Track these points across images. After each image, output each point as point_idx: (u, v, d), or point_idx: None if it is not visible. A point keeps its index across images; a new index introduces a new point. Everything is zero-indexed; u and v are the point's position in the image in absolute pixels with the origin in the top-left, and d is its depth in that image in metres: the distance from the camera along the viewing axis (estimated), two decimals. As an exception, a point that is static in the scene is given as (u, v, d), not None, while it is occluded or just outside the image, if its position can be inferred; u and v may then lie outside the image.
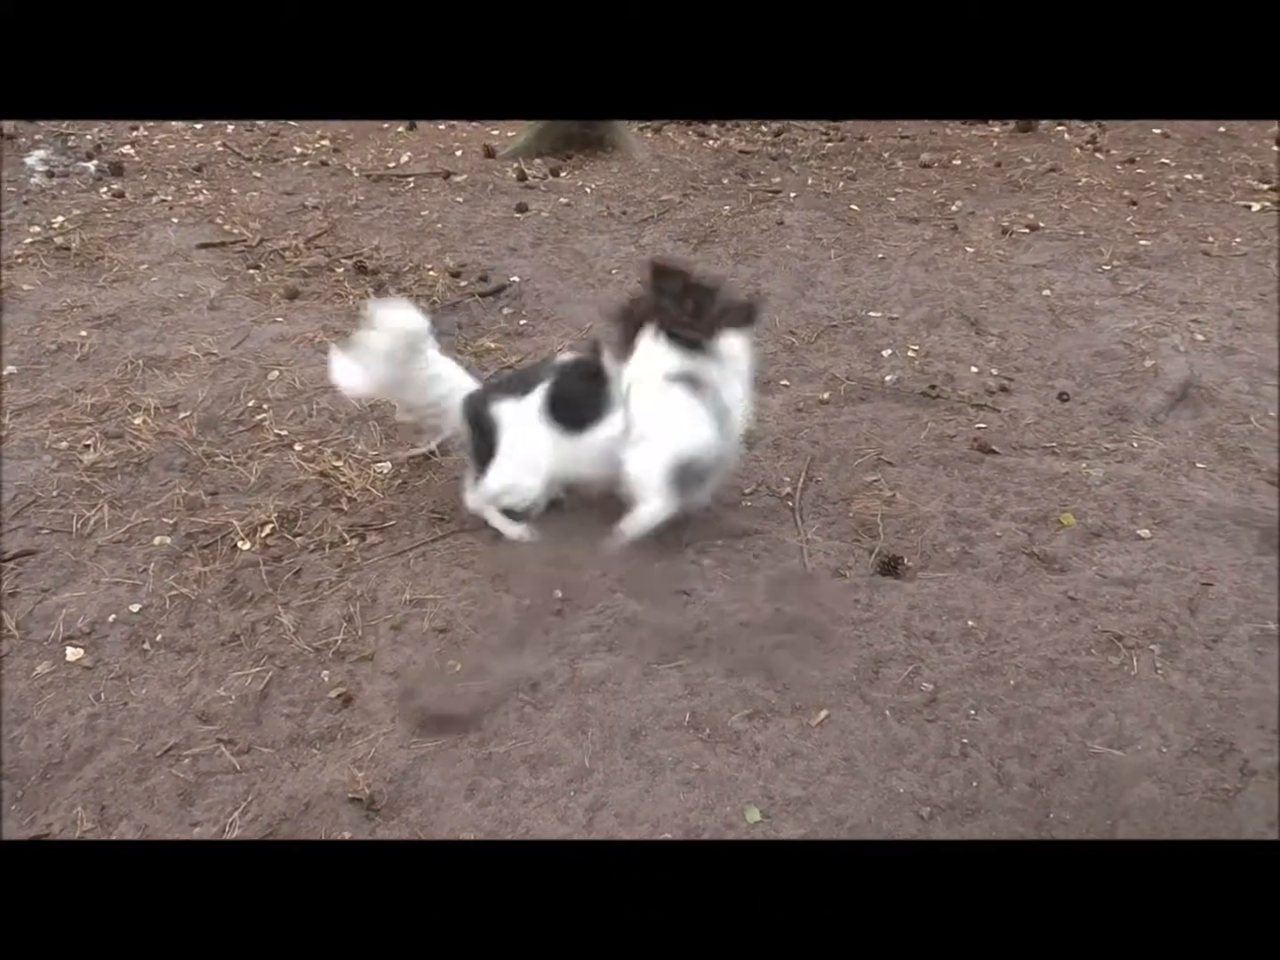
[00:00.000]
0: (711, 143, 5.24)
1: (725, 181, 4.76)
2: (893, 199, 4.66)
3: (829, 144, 5.27)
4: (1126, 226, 4.46)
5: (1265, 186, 4.90)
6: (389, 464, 2.85)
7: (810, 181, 4.81)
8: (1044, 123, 5.63)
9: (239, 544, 2.48)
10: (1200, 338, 3.57)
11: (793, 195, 4.66)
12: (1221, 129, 5.68)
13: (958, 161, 5.11)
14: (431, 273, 3.89)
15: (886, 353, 3.45)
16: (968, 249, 4.20)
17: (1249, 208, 4.67)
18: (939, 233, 4.34)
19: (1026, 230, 4.37)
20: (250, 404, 3.06)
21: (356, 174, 4.75)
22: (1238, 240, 4.34)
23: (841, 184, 4.81)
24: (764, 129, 5.46)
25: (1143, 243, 4.30)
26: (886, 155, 5.17)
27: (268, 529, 2.53)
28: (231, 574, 2.39)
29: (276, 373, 3.24)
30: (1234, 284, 3.96)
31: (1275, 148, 5.43)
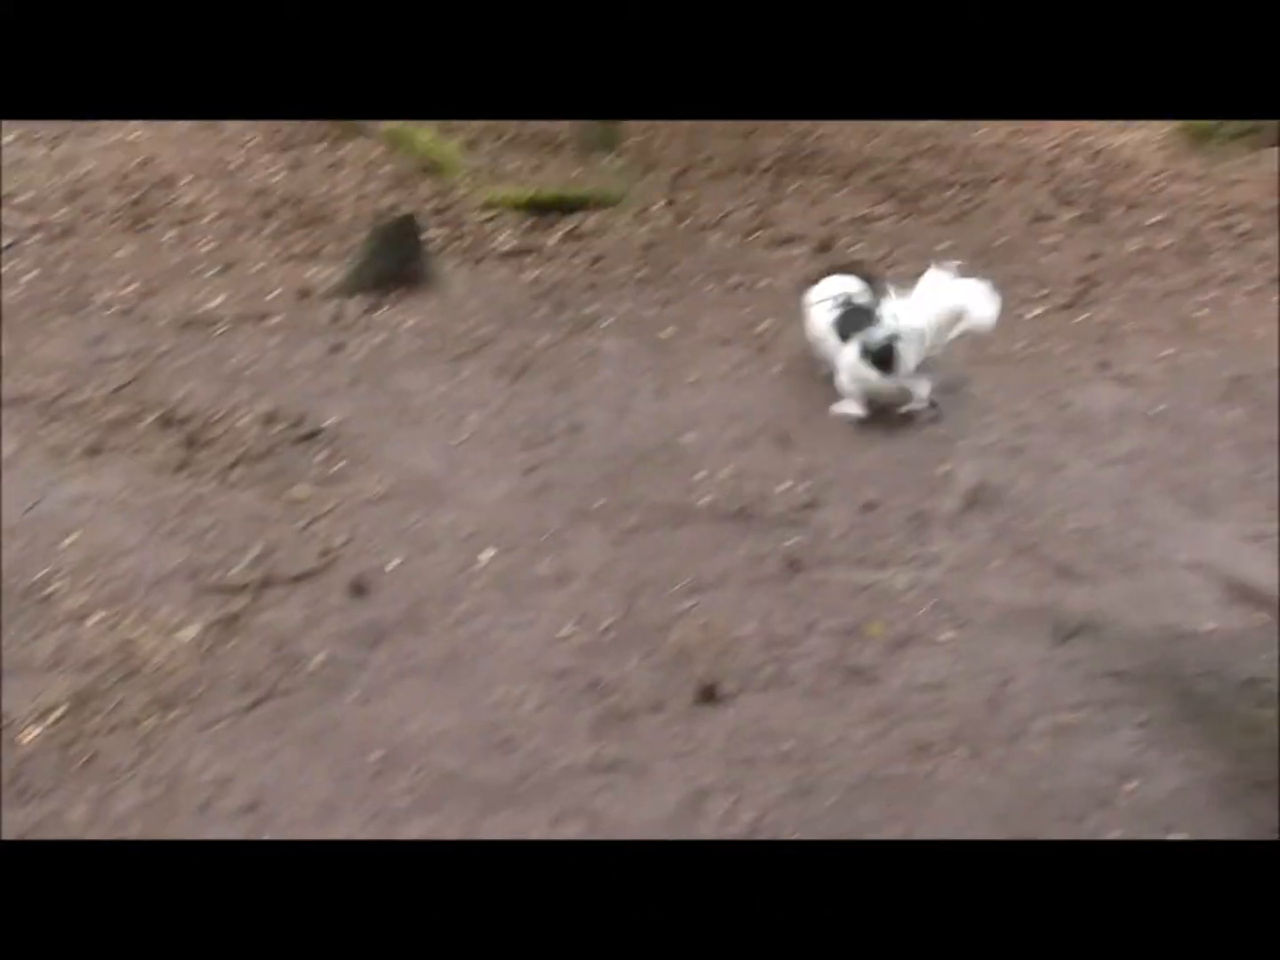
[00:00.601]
0: (528, 274, 5.36)
1: (542, 312, 4.87)
2: (705, 322, 4.84)
3: (642, 271, 5.46)
4: (920, 338, 4.74)
5: (1042, 293, 5.31)
6: (197, 627, 2.76)
7: (625, 308, 4.96)
8: (842, 243, 5.98)
9: (21, 734, 2.34)
10: (989, 440, 3.81)
11: (608, 323, 4.79)
12: (1000, 241, 6.14)
13: (764, 283, 5.36)
14: (243, 421, 3.83)
15: (700, 476, 3.55)
16: (775, 368, 4.39)
17: (1020, 316, 5.04)
18: (749, 353, 4.53)
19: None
20: (42, 574, 2.93)
21: (166, 320, 4.67)
22: (1018, 345, 4.67)
23: (656, 310, 4.98)
24: (580, 258, 5.63)
25: (935, 353, 4.58)
26: (697, 280, 5.38)
27: (58, 712, 2.39)
28: (15, 768, 2.25)
29: (73, 537, 3.11)
30: (1016, 386, 4.24)
31: (1048, 258, 5.90)
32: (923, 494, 3.45)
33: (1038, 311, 5.09)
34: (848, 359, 3.93)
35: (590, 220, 6.23)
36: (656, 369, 4.37)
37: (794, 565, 3.05)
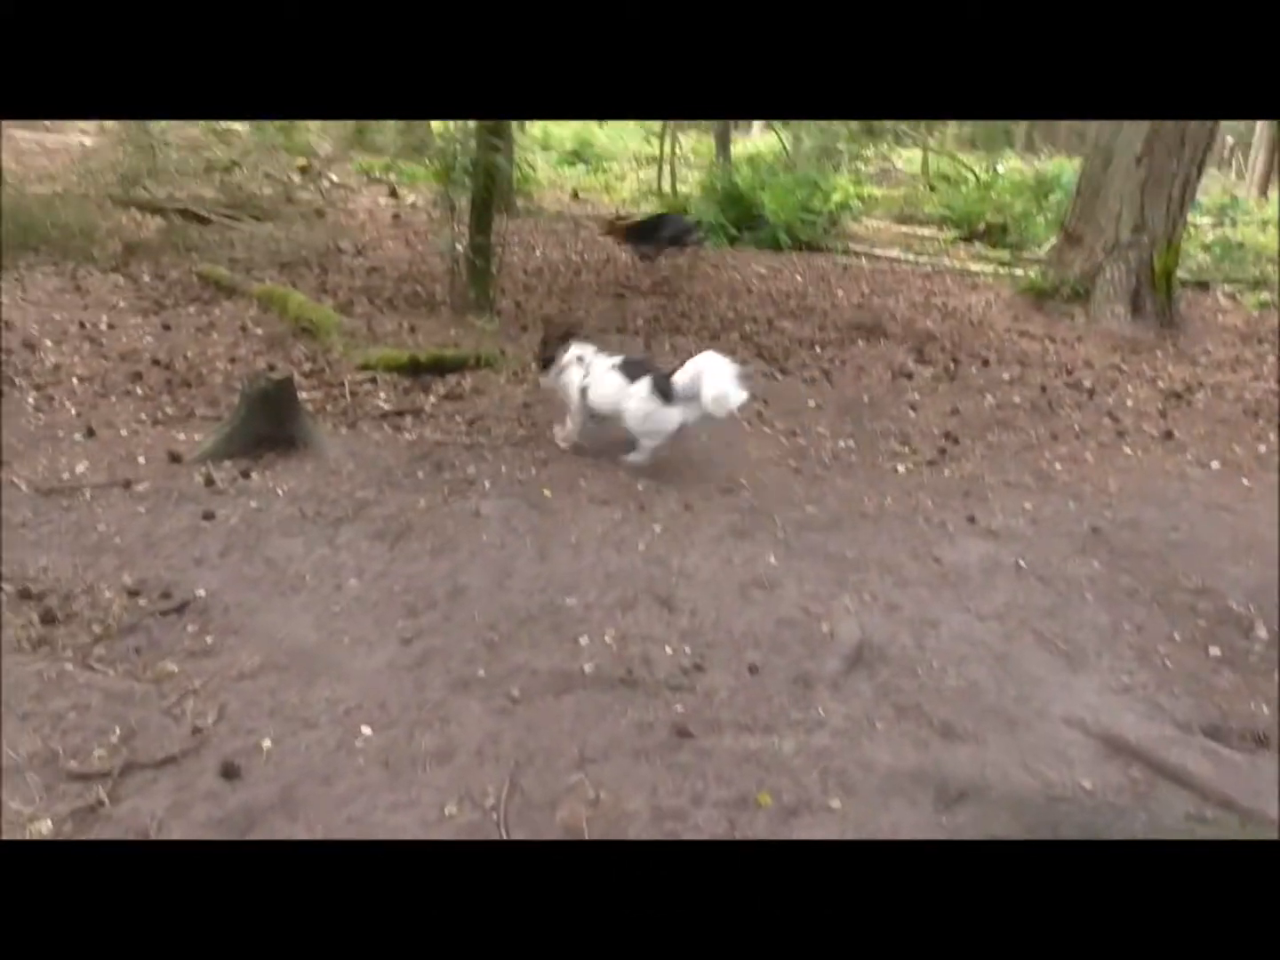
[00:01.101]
0: (406, 435, 5.36)
1: (421, 474, 4.85)
2: (584, 481, 4.90)
3: (521, 431, 5.52)
4: (794, 494, 4.89)
5: (907, 449, 5.55)
6: (50, 821, 2.56)
7: (504, 469, 4.99)
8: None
9: None
10: (867, 597, 3.90)
11: (488, 484, 4.81)
12: (865, 398, 6.43)
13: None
14: (107, 593, 3.67)
15: (584, 640, 3.53)
16: (655, 527, 4.45)
17: (895, 470, 5.26)
18: (627, 512, 4.59)
19: (707, 504, 4.70)
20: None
21: (25, 488, 4.48)
22: (889, 500, 4.84)
23: (535, 470, 5.01)
24: (459, 418, 5.66)
25: (809, 509, 4.72)
26: (575, 438, 5.46)
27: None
28: None
29: (-84, 726, 2.89)
30: (890, 542, 4.38)
31: (912, 413, 6.20)
32: (806, 654, 3.49)
33: (905, 467, 5.30)
34: (638, 397, 4.84)
35: (468, 381, 6.31)
36: (537, 530, 4.37)
37: (681, 733, 3.02)
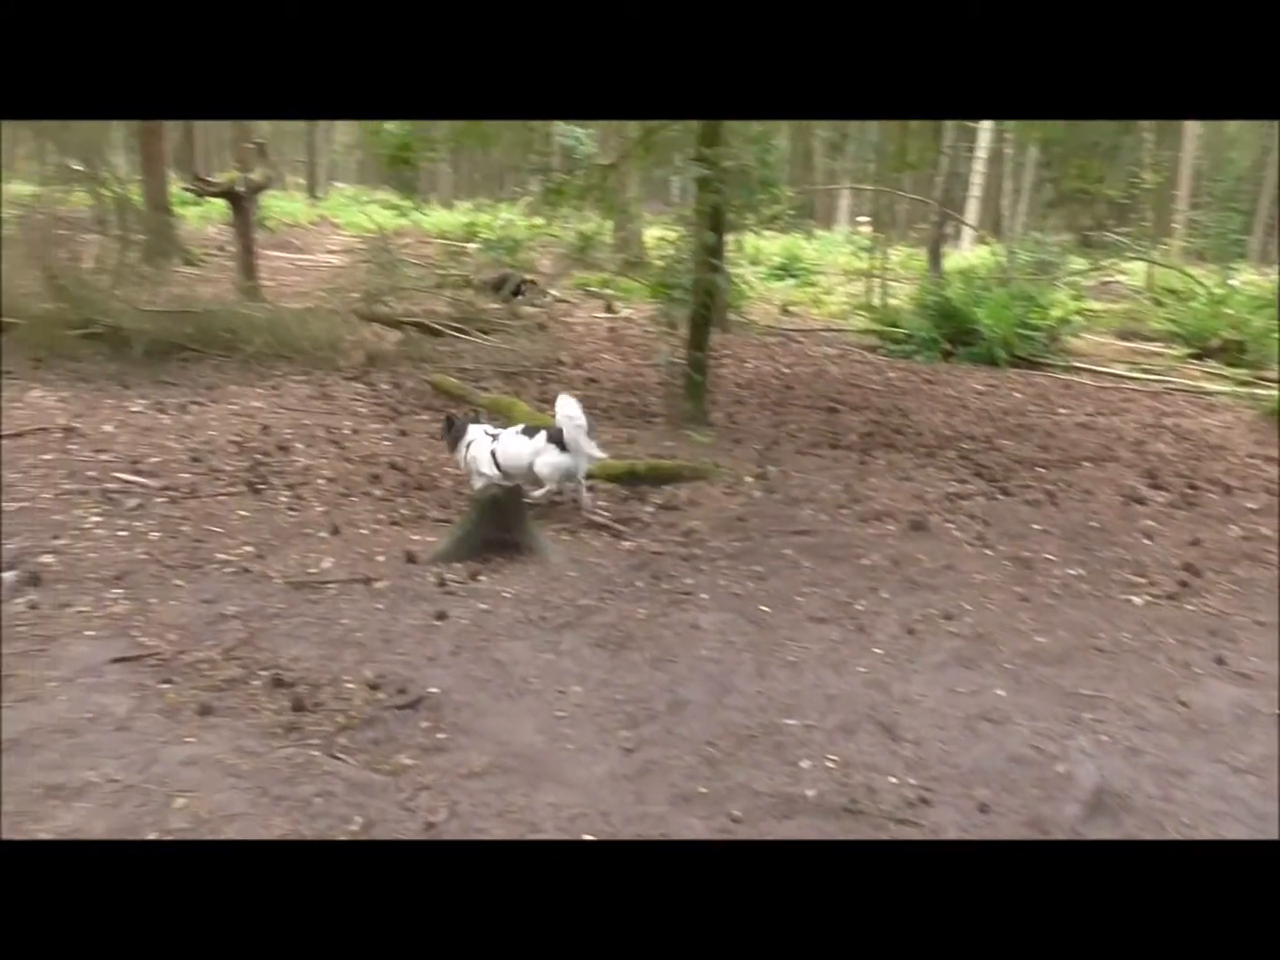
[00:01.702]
0: (625, 544, 5.50)
1: (640, 584, 4.95)
2: (801, 599, 4.87)
3: (736, 544, 5.56)
4: (1021, 623, 4.71)
5: (1143, 580, 5.26)
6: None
7: (721, 582, 5.03)
8: (934, 520, 6.05)
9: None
10: (1105, 739, 3.69)
11: (705, 597, 4.85)
12: (1094, 523, 6.16)
13: (857, 560, 5.41)
14: (350, 685, 3.88)
15: (805, 764, 3.47)
16: (875, 649, 4.36)
17: (1131, 602, 4.99)
18: (846, 633, 4.52)
19: (929, 628, 4.58)
20: (150, 837, 2.91)
21: (278, 581, 4.83)
22: (1126, 635, 4.59)
23: (751, 584, 5.03)
24: (675, 529, 5.76)
25: (1038, 639, 4.53)
26: (790, 553, 5.46)
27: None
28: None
29: (182, 800, 3.11)
30: (1128, 681, 4.14)
31: (1146, 542, 5.89)
32: (1040, 796, 3.32)
33: (1141, 600, 5.03)
34: (548, 452, 5.85)
35: (683, 492, 6.42)
36: (755, 646, 4.37)
37: (910, 868, 2.91)
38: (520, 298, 12.67)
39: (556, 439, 5.83)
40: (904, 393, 10.23)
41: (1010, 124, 19.28)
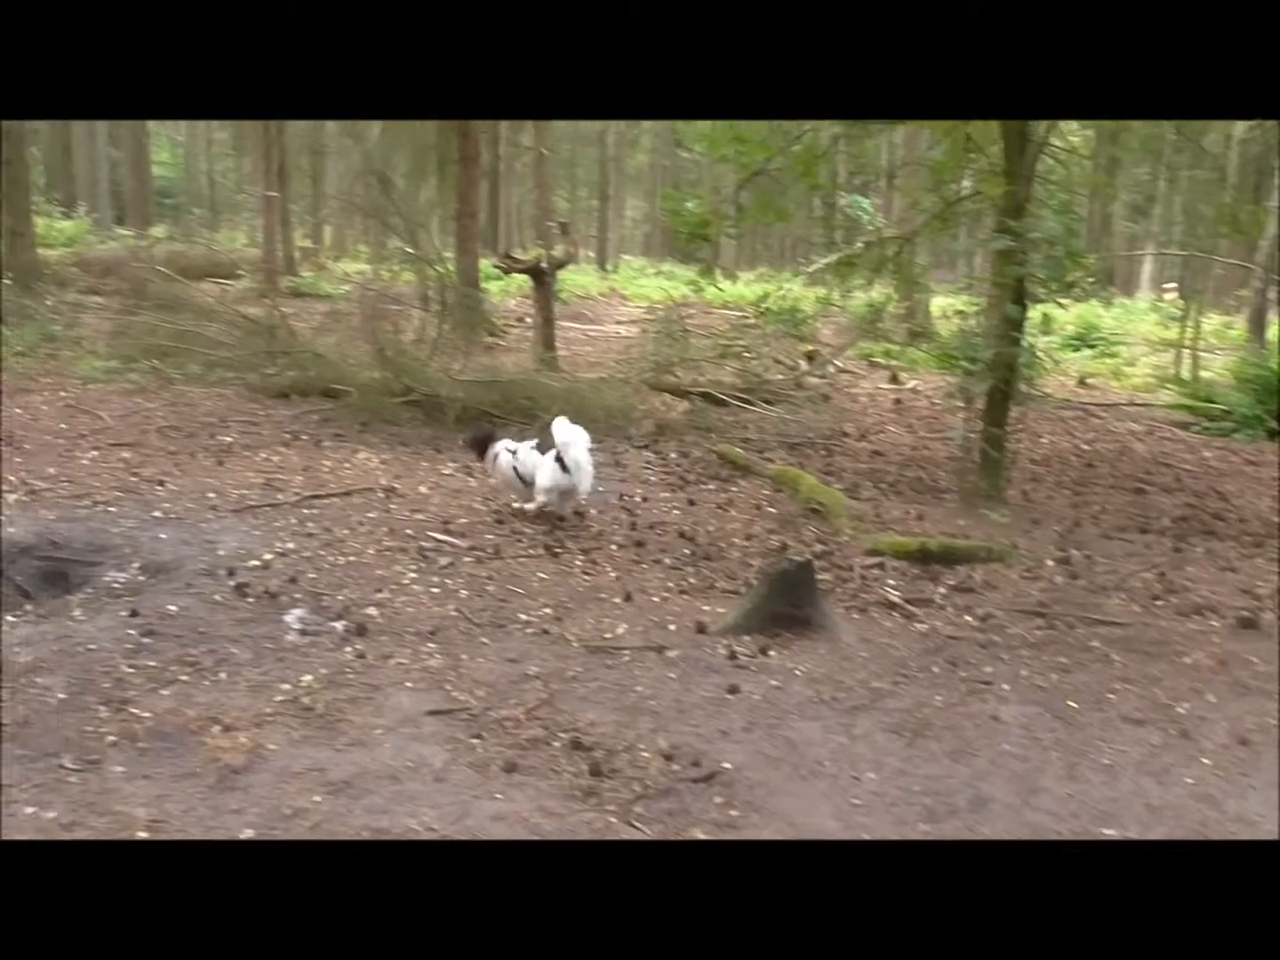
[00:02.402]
0: (918, 626, 5.33)
1: (935, 669, 4.78)
2: (1113, 696, 4.55)
3: (1038, 632, 5.27)
4: (1379, 741, 4.17)
5: None
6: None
7: (1023, 673, 4.78)
8: (1267, 617, 5.50)
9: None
10: None
11: (1005, 687, 4.61)
12: None
13: (1176, 658, 4.99)
14: (645, 754, 3.95)
15: (1128, 881, 3.20)
16: (1203, 759, 3.99)
17: None
18: (1168, 738, 4.17)
19: (1267, 741, 4.15)
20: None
21: (575, 644, 5.01)
22: None
23: (1055, 676, 4.75)
24: (971, 613, 5.54)
25: (1402, 763, 3.99)
26: (1099, 647, 5.11)
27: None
28: None
29: (491, 856, 3.26)
30: None
31: None
32: None
33: None
34: (547, 467, 6.72)
35: (978, 573, 6.18)
36: (1063, 744, 4.10)
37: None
38: (808, 369, 12.71)
39: (560, 458, 6.66)
40: (1223, 474, 9.43)
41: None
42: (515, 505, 7.12)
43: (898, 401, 12.71)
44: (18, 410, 9.17)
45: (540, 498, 6.81)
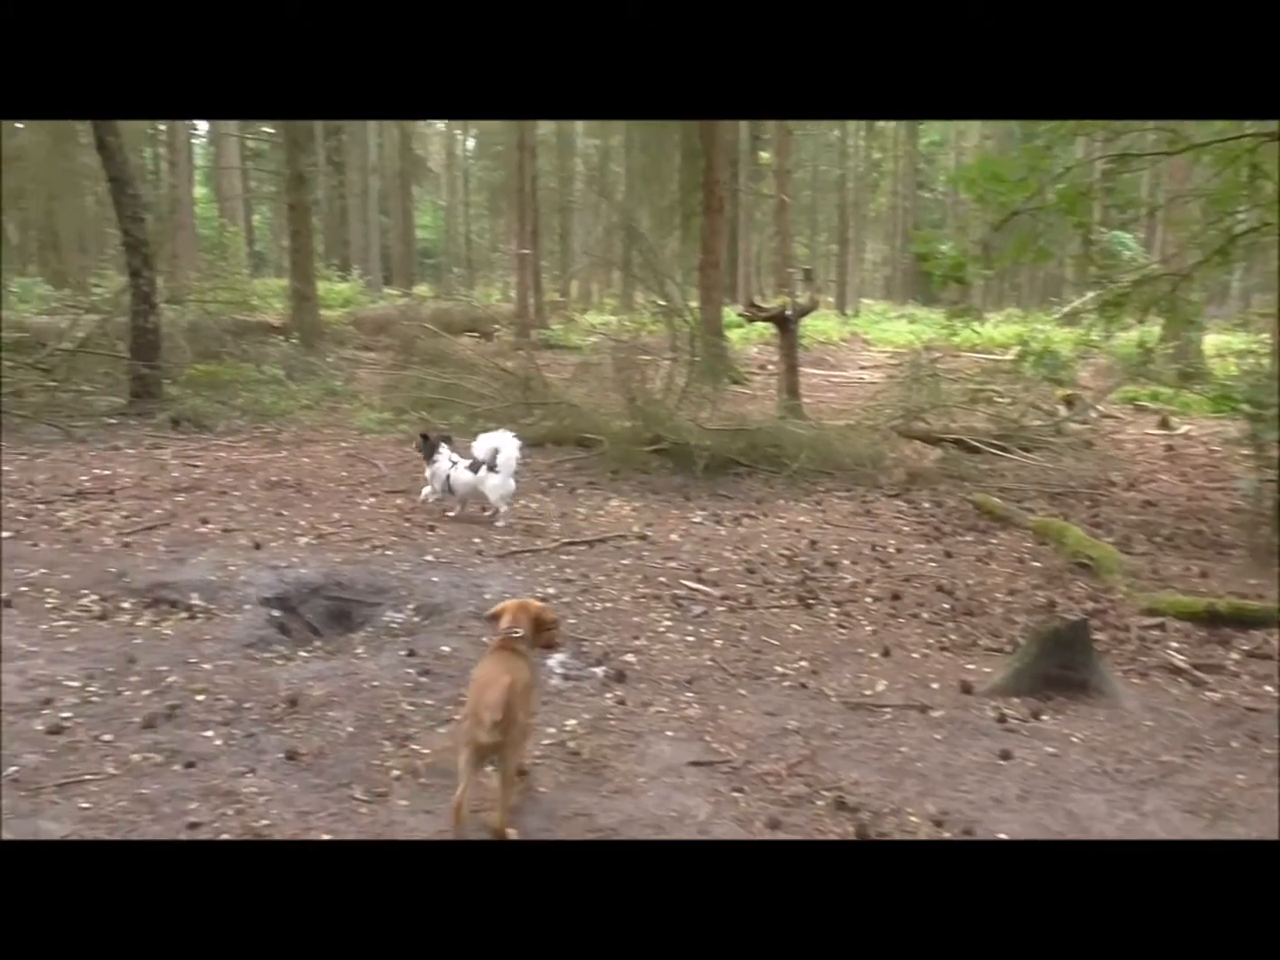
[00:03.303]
0: (1210, 695, 4.91)
1: (1234, 744, 4.37)
2: None
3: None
4: None
5: None
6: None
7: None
8: None
9: None
10: None
11: (1320, 762, 4.16)
12: None
13: None
14: (913, 818, 3.80)
15: None
16: None
17: None
18: None
19: None
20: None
21: (834, 699, 4.91)
22: None
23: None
24: (1268, 685, 5.04)
25: None
26: None
27: None
28: None
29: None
30: None
31: None
32: None
33: None
34: (484, 479, 7.71)
35: (1275, 639, 5.64)
36: (1395, 838, 3.64)
37: None
38: (1067, 414, 12.08)
39: (491, 466, 7.62)
40: None
41: None
42: (423, 496, 8.15)
43: (1169, 448, 11.86)
44: (305, 460, 9.99)
45: (501, 507, 7.81)
